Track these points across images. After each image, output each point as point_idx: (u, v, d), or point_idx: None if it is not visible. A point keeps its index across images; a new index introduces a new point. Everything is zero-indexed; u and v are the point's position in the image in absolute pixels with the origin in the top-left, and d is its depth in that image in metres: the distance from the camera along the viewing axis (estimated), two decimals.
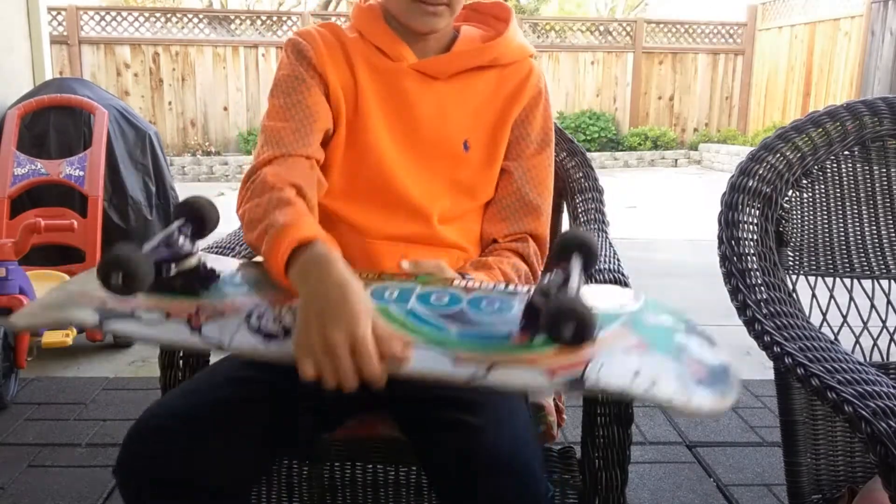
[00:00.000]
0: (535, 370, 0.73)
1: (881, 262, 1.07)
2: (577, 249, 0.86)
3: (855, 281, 1.06)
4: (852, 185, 1.07)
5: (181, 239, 0.89)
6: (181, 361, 1.12)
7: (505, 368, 0.74)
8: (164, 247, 0.86)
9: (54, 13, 8.66)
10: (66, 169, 2.78)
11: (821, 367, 0.81)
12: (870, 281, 1.07)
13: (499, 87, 1.15)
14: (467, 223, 1.16)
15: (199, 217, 0.92)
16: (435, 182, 1.12)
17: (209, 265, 0.90)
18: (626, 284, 1.09)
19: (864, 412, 0.73)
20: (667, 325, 0.84)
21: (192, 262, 0.89)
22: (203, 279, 0.88)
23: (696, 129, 10.31)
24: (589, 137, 9.76)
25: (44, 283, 2.49)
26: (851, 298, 1.06)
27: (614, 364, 0.73)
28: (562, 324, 0.73)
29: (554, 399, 1.17)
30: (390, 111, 1.11)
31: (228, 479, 0.92)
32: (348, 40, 1.13)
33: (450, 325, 0.79)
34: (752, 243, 0.99)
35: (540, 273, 1.14)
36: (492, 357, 0.75)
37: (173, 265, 0.86)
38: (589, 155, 1.46)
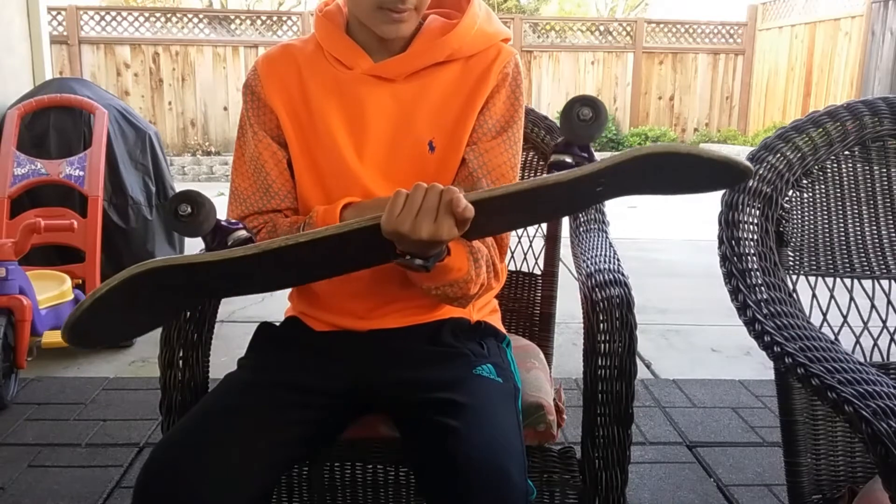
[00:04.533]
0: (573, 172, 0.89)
1: (881, 262, 1.07)
2: (578, 101, 0.96)
3: (855, 281, 1.06)
4: (852, 185, 1.07)
5: (231, 220, 1.02)
6: (181, 361, 1.12)
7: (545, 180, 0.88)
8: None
9: (54, 13, 8.66)
10: (66, 169, 2.78)
11: (821, 367, 0.81)
12: (870, 281, 1.07)
13: (462, 78, 1.09)
14: None
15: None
16: (402, 187, 1.09)
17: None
18: (625, 285, 1.09)
19: (864, 412, 0.73)
20: None
21: (244, 234, 0.99)
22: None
23: (696, 129, 10.31)
24: None
25: (44, 283, 2.49)
26: (852, 298, 1.06)
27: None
28: (578, 108, 0.93)
29: (554, 399, 1.17)
30: (349, 121, 1.09)
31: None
32: (305, 57, 1.13)
33: None
34: (752, 243, 0.99)
35: (498, 263, 1.12)
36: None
37: (228, 241, 0.98)
38: None
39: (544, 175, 0.88)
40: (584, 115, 0.94)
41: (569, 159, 0.95)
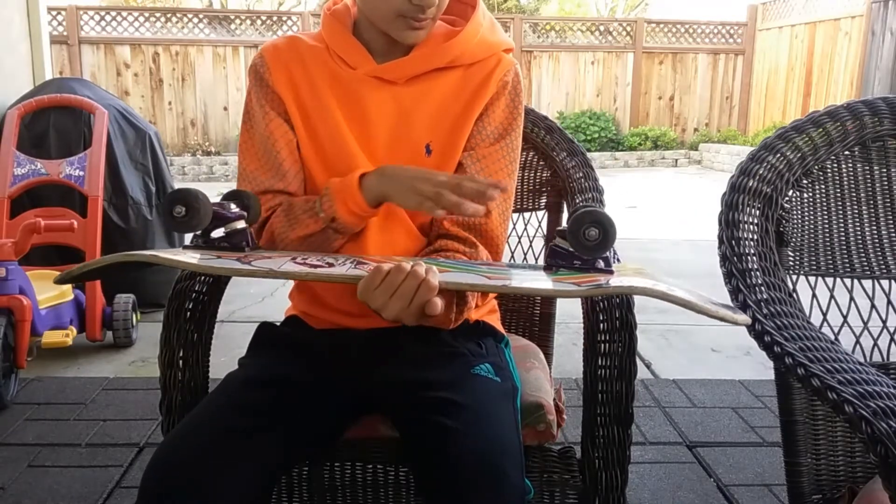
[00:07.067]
0: (563, 284, 0.81)
1: (881, 262, 1.07)
2: (586, 219, 0.90)
3: (855, 281, 1.06)
4: (852, 185, 1.07)
5: (233, 205, 1.03)
6: (181, 361, 1.12)
7: (534, 283, 0.81)
8: (218, 207, 0.99)
9: (54, 13, 8.66)
10: (66, 169, 2.78)
11: (821, 367, 0.81)
12: (870, 281, 1.07)
13: (463, 85, 1.11)
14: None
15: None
16: None
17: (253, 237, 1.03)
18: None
19: (864, 412, 0.73)
20: None
21: (240, 225, 1.01)
22: (249, 238, 1.01)
23: (696, 129, 10.31)
24: (589, 137, 9.76)
25: (44, 283, 2.49)
26: (852, 298, 1.06)
27: (633, 280, 0.81)
28: (585, 227, 0.83)
29: (554, 399, 1.17)
30: (351, 120, 1.10)
31: None
32: (310, 52, 1.13)
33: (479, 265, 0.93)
34: (752, 243, 0.99)
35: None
36: (520, 276, 0.86)
37: (223, 229, 0.99)
38: (589, 155, 1.46)
39: (523, 282, 0.85)
40: (591, 236, 0.87)
41: (571, 248, 0.92)
